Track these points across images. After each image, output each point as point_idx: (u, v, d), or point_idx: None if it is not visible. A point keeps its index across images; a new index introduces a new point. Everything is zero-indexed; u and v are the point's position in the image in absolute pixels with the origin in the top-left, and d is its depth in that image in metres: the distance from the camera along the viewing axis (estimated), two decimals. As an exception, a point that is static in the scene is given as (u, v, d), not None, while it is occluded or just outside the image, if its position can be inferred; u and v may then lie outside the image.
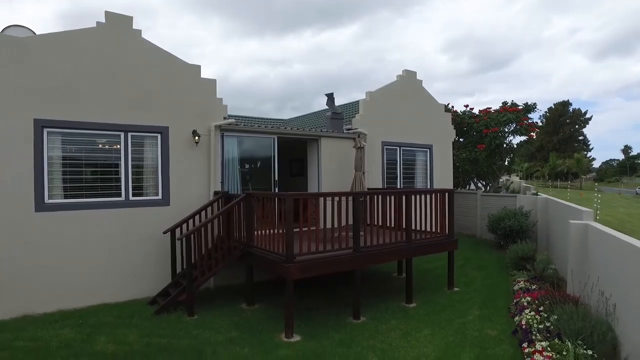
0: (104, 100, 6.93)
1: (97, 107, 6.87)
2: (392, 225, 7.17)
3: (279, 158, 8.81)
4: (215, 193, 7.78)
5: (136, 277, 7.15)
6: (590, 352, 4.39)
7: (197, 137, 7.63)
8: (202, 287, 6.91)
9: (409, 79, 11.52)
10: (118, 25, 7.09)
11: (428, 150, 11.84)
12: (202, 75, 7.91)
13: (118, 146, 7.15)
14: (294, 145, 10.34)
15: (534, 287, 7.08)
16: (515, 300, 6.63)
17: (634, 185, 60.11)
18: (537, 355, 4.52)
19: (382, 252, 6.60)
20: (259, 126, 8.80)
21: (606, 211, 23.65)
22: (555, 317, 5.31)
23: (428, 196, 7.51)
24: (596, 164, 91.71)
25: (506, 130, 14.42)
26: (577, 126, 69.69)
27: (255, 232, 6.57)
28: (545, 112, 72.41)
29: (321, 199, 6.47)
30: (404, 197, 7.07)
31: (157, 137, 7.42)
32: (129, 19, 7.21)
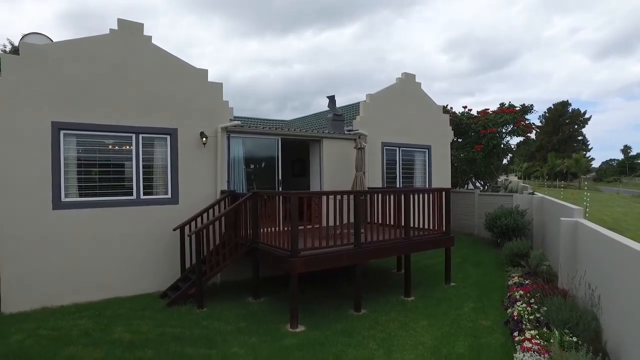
0: (116, 103, 7.27)
1: (110, 109, 7.21)
2: (392, 223, 7.50)
3: (282, 158, 9.15)
4: (222, 192, 8.11)
5: (147, 272, 7.48)
6: (575, 339, 4.71)
7: (204, 139, 7.97)
8: (209, 282, 7.23)
9: (408, 81, 11.85)
10: (129, 31, 7.42)
11: (427, 150, 12.18)
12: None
13: (129, 147, 7.48)
14: (296, 146, 10.67)
15: (527, 282, 7.40)
16: (508, 294, 6.96)
17: (633, 186, 60.45)
18: (526, 343, 4.84)
19: (381, 248, 6.94)
20: (263, 128, 9.14)
21: (603, 210, 23.98)
22: (545, 308, 5.64)
23: (426, 195, 7.84)
24: (596, 164, 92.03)
25: (503, 131, 14.75)
26: (576, 126, 69.99)
27: (261, 230, 6.90)
28: (545, 112, 72.78)
29: (324, 198, 6.80)
30: (402, 196, 7.41)
31: (166, 138, 7.76)
32: (140, 26, 7.54)
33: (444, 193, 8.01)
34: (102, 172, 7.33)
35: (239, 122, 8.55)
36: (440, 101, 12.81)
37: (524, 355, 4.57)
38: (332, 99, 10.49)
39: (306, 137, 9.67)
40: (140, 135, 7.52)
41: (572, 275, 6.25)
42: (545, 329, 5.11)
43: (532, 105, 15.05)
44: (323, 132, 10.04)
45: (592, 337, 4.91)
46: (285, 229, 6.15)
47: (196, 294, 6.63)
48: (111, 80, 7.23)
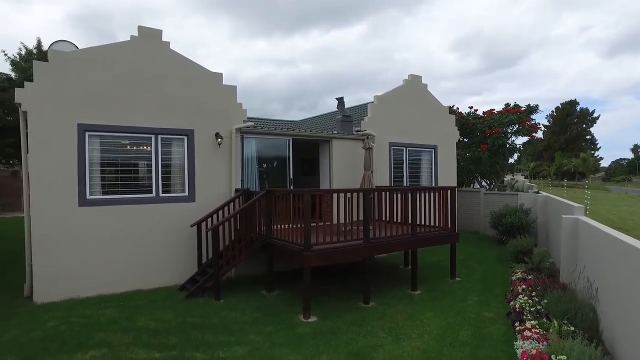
0: (136, 105, 7.66)
1: (131, 112, 7.61)
2: (399, 221, 7.82)
3: (292, 158, 9.50)
4: (236, 190, 8.49)
5: (166, 266, 7.87)
6: (572, 328, 5.01)
7: (219, 139, 8.34)
8: (225, 276, 7.58)
9: (414, 82, 12.15)
10: (149, 38, 7.81)
11: (433, 150, 12.47)
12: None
13: (149, 147, 7.87)
14: (306, 146, 11.02)
15: (530, 277, 7.69)
16: (511, 288, 7.25)
17: (642, 185, 59.94)
18: (526, 332, 5.14)
19: (389, 244, 7.28)
20: (275, 129, 9.50)
21: (610, 210, 24.04)
22: (546, 301, 5.93)
23: (432, 193, 8.16)
24: (606, 163, 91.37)
25: (509, 131, 14.99)
26: (584, 125, 69.68)
27: (274, 226, 7.25)
28: (552, 111, 72.51)
29: (335, 195, 7.14)
30: (409, 194, 7.73)
31: (183, 139, 8.15)
32: (159, 32, 7.93)
33: (449, 191, 8.31)
34: (123, 171, 7.72)
35: (252, 123, 8.93)
36: (447, 100, 13.12)
37: (523, 343, 4.87)
38: (340, 101, 10.83)
39: (316, 138, 10.02)
40: (159, 136, 7.91)
41: (572, 269, 6.54)
42: (545, 320, 5.41)
43: (537, 106, 15.26)
44: (332, 132, 10.39)
45: (589, 327, 5.20)
46: (298, 225, 6.51)
47: (213, 287, 7.00)
48: (132, 84, 7.63)
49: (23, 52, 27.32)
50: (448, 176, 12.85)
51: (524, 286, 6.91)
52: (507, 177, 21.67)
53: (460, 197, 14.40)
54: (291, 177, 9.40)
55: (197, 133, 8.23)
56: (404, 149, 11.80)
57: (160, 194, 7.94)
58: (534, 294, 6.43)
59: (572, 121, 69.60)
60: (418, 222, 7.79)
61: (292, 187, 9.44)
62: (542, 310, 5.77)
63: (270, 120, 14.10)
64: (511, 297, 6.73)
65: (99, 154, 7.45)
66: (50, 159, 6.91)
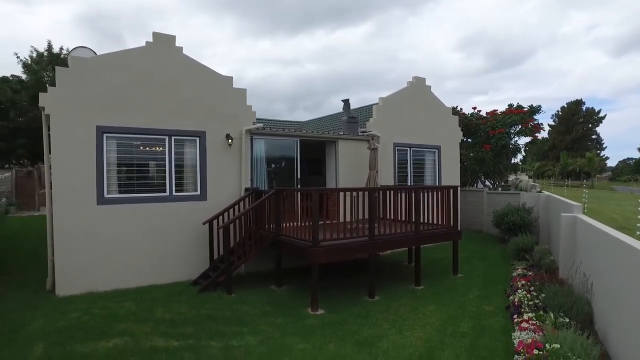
0: (151, 108, 8.01)
1: (146, 114, 7.96)
2: (403, 219, 8.11)
3: (300, 158, 9.82)
4: (246, 189, 8.82)
5: (179, 262, 8.21)
6: (567, 319, 5.28)
7: (230, 140, 8.68)
8: (235, 272, 7.90)
9: (418, 84, 12.42)
10: (163, 43, 8.16)
11: (436, 150, 12.74)
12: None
13: (163, 148, 8.22)
14: (313, 146, 11.32)
15: (529, 273, 7.95)
16: (511, 284, 7.52)
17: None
18: (523, 324, 5.42)
19: (393, 240, 7.58)
20: (283, 130, 9.83)
21: (614, 209, 24.14)
22: (544, 295, 6.20)
23: (435, 192, 8.44)
24: (613, 163, 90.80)
25: (512, 131, 15.21)
26: (590, 125, 69.42)
27: (283, 224, 7.56)
28: (558, 111, 72.33)
29: (341, 194, 7.45)
30: (413, 193, 8.01)
31: (196, 140, 8.49)
32: (172, 38, 8.28)
33: (451, 190, 8.59)
34: (138, 171, 8.08)
35: (262, 124, 9.25)
36: (453, 100, 13.44)
37: (520, 334, 5.15)
38: (346, 103, 11.14)
39: (323, 138, 10.33)
40: (173, 138, 8.25)
41: (570, 265, 6.80)
42: (542, 312, 5.69)
43: (539, 106, 15.45)
44: (338, 133, 10.69)
45: (584, 319, 5.47)
46: (305, 223, 6.82)
47: (225, 282, 7.33)
48: (147, 87, 7.97)
49: (34, 55, 27.90)
50: (451, 176, 13.10)
51: (523, 282, 7.18)
52: (511, 177, 21.85)
53: (464, 196, 14.66)
54: (298, 176, 9.72)
55: (208, 134, 8.56)
56: (408, 149, 12.08)
57: (174, 193, 8.28)
58: (532, 288, 6.70)
59: (578, 121, 69.36)
60: (421, 220, 8.07)
61: (299, 187, 9.76)
62: (540, 303, 6.04)
63: (277, 121, 14.45)
64: (511, 292, 7.00)
65: (116, 154, 7.80)
66: (71, 159, 7.27)
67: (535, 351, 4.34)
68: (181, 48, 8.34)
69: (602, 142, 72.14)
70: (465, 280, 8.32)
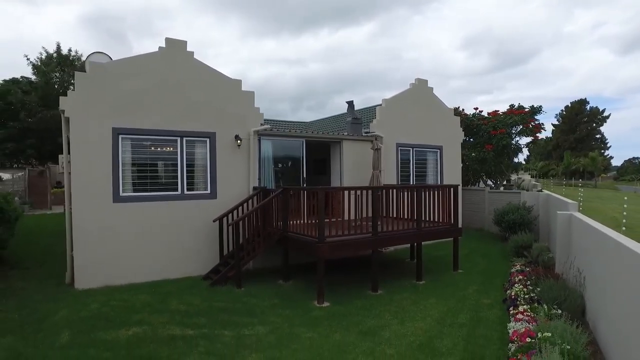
0: (164, 110, 8.37)
1: (159, 116, 8.32)
2: (406, 217, 8.43)
3: (307, 158, 10.16)
4: (254, 188, 9.17)
5: (190, 258, 8.58)
6: (560, 311, 5.59)
7: (239, 141, 9.03)
8: (244, 268, 8.25)
9: (420, 86, 12.73)
10: (175, 48, 8.52)
11: (438, 150, 13.04)
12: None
13: (175, 149, 8.57)
14: (318, 147, 11.66)
15: (527, 269, 8.25)
16: (509, 279, 7.83)
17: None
18: (519, 315, 5.73)
19: (396, 237, 7.92)
20: (289, 131, 10.17)
21: (616, 208, 24.29)
22: (539, 289, 6.51)
23: (436, 191, 8.76)
24: (618, 162, 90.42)
25: (513, 131, 15.49)
26: (594, 124, 69.27)
27: (290, 221, 7.90)
28: (562, 110, 72.22)
29: (346, 192, 7.78)
30: (415, 191, 8.34)
31: (206, 141, 8.85)
32: (184, 43, 8.64)
33: (452, 189, 8.90)
34: (151, 171, 8.45)
35: (269, 126, 9.60)
36: (457, 99, 13.82)
37: (515, 324, 5.46)
38: (351, 104, 11.47)
39: (328, 139, 10.68)
40: (184, 139, 8.61)
41: (565, 261, 7.11)
42: (536, 305, 6.00)
43: (540, 107, 15.72)
44: (343, 134, 11.03)
45: (577, 311, 5.79)
46: (311, 221, 7.16)
47: (235, 276, 7.69)
48: (160, 91, 8.34)
49: (44, 57, 28.39)
50: (453, 175, 13.39)
51: (520, 277, 7.48)
52: (514, 177, 22.10)
53: (466, 195, 14.96)
54: (304, 176, 10.07)
55: (218, 135, 8.92)
56: (411, 149, 12.39)
57: (185, 192, 8.64)
58: (528, 283, 7.01)
59: (582, 120, 69.23)
60: (423, 218, 8.39)
61: (305, 186, 10.10)
62: (535, 297, 6.35)
63: (284, 121, 14.81)
64: (508, 287, 7.30)
65: (130, 155, 8.17)
66: (89, 159, 7.65)
67: (528, 339, 4.67)
68: (192, 53, 8.70)
69: (607, 141, 71.97)
70: (465, 275, 8.64)
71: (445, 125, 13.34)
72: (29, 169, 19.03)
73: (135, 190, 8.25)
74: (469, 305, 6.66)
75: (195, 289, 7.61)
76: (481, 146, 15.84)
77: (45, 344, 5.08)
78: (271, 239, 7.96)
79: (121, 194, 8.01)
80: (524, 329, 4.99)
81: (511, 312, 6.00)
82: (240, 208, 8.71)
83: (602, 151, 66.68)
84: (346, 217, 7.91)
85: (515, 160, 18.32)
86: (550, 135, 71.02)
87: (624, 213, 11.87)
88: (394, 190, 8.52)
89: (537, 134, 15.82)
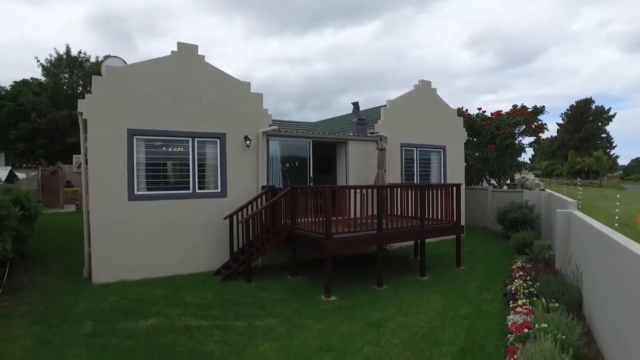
0: (176, 112, 8.69)
1: (172, 118, 8.64)
2: (410, 215, 8.71)
3: (313, 158, 10.46)
4: (263, 187, 9.48)
5: (201, 254, 8.90)
6: (557, 304, 5.85)
7: (248, 141, 9.34)
8: (254, 263, 8.57)
9: (424, 87, 13.00)
10: (187, 52, 8.84)
11: (442, 150, 13.30)
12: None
13: (186, 149, 8.89)
14: (324, 147, 11.95)
15: (528, 265, 8.50)
16: (510, 275, 8.08)
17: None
18: (518, 308, 5.99)
19: (400, 234, 8.20)
20: (297, 131, 10.48)
21: (620, 207, 24.43)
22: (538, 284, 6.76)
23: (439, 190, 9.03)
24: (625, 162, 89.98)
25: (516, 131, 15.70)
26: (599, 124, 69.15)
27: (298, 219, 8.20)
28: (567, 110, 72.11)
29: (351, 191, 8.07)
30: (418, 190, 8.61)
31: (216, 141, 9.16)
32: (195, 47, 8.96)
33: (455, 188, 9.17)
34: (164, 170, 8.78)
35: (277, 127, 9.91)
36: (462, 98, 14.09)
37: (514, 317, 5.73)
38: (356, 105, 11.77)
39: (334, 140, 10.97)
40: (196, 139, 8.93)
41: (563, 257, 7.36)
42: (535, 299, 6.25)
43: (543, 107, 15.91)
44: (348, 134, 11.32)
45: (574, 304, 6.04)
46: (318, 219, 7.45)
47: (245, 271, 8.00)
48: (172, 93, 8.66)
49: (53, 59, 28.89)
50: (456, 174, 13.63)
51: (521, 273, 7.73)
52: (518, 176, 22.28)
53: (469, 194, 15.19)
54: (311, 175, 10.37)
55: (228, 136, 9.23)
56: (415, 149, 12.65)
57: (197, 190, 8.97)
58: (528, 278, 7.26)
59: (587, 119, 69.11)
60: (426, 216, 8.66)
61: (312, 184, 10.40)
62: (534, 291, 6.61)
63: (291, 122, 15.13)
64: (509, 282, 7.56)
65: (144, 155, 8.50)
66: (105, 159, 7.99)
67: (526, 330, 4.93)
68: (203, 56, 9.01)
69: (612, 140, 71.80)
70: (467, 272, 8.90)
71: (449, 126, 13.59)
72: (42, 168, 19.47)
73: (149, 189, 8.57)
74: (470, 300, 6.93)
75: (207, 283, 7.93)
76: (484, 146, 16.06)
77: (70, 333, 5.42)
78: (280, 236, 8.26)
79: (136, 192, 8.33)
80: (522, 321, 5.25)
81: (511, 305, 6.26)
82: (249, 206, 9.02)
83: (608, 150, 66.51)
84: (352, 215, 8.20)
85: (520, 159, 18.53)
86: (555, 134, 70.92)
87: (617, 210, 12.08)
88: (398, 189, 8.80)
89: (540, 134, 16.01)
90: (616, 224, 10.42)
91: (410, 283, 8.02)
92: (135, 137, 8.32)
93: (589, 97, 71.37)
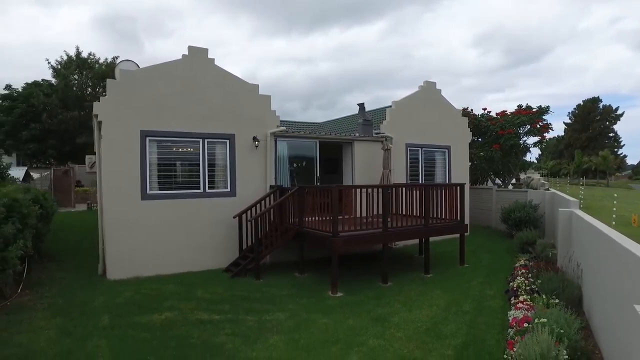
0: (187, 114, 8.96)
1: (183, 119, 8.91)
2: (414, 214, 8.91)
3: (320, 158, 10.69)
4: (271, 187, 9.73)
5: (211, 251, 9.16)
6: (557, 300, 6.03)
7: (256, 142, 9.60)
8: (261, 261, 8.80)
9: (429, 88, 13.18)
10: (197, 56, 9.10)
11: (446, 150, 13.47)
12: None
13: (197, 150, 9.15)
14: (330, 147, 12.17)
15: (530, 263, 8.67)
16: (512, 273, 8.26)
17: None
18: (519, 304, 6.18)
19: (404, 232, 8.42)
20: (304, 132, 10.72)
21: (626, 207, 24.40)
22: (540, 281, 6.94)
23: (443, 189, 9.22)
24: (635, 161, 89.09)
25: (520, 131, 15.82)
26: (607, 123, 68.59)
27: (305, 218, 8.43)
28: (574, 109, 71.63)
29: (358, 191, 8.29)
30: (423, 189, 8.81)
31: (226, 142, 9.42)
32: (205, 51, 9.22)
33: (458, 187, 9.36)
34: (175, 170, 9.05)
35: (284, 127, 10.15)
36: (468, 98, 14.27)
37: (515, 312, 5.92)
38: (362, 107, 11.99)
39: (340, 140, 11.20)
40: (206, 140, 9.20)
41: (565, 255, 7.52)
42: (536, 295, 6.44)
43: (548, 107, 16.03)
44: (354, 135, 11.54)
45: (574, 301, 6.22)
46: (325, 218, 7.69)
47: (254, 268, 8.26)
48: (183, 95, 8.93)
49: (63, 60, 29.36)
50: (461, 174, 13.78)
51: (523, 271, 7.92)
52: (524, 176, 22.34)
53: (474, 194, 15.34)
54: (318, 175, 10.60)
55: (237, 137, 9.49)
56: (420, 149, 12.84)
57: (207, 190, 9.23)
58: (530, 275, 7.44)
59: (594, 119, 68.60)
60: (431, 215, 8.86)
61: (318, 184, 10.63)
62: (535, 288, 6.79)
63: (297, 122, 15.38)
64: (511, 279, 7.75)
65: (156, 155, 8.77)
66: (119, 159, 8.27)
67: (526, 324, 5.12)
68: (213, 59, 9.28)
69: (620, 140, 71.20)
70: (470, 269, 9.09)
71: (453, 126, 13.75)
72: (54, 168, 19.89)
73: (161, 189, 8.85)
74: (473, 296, 7.12)
75: (217, 280, 8.19)
76: (489, 145, 16.20)
77: (89, 325, 5.69)
78: (288, 234, 8.50)
79: (148, 192, 8.61)
80: (522, 316, 5.44)
81: (512, 301, 6.44)
82: (258, 205, 9.27)
83: (616, 150, 66.01)
84: (358, 214, 8.41)
85: (527, 159, 18.63)
86: (562, 134, 70.54)
87: (614, 209, 12.21)
88: (403, 189, 9.01)
89: (545, 134, 16.13)
90: (613, 222, 10.55)
91: (415, 280, 8.22)
92: (147, 138, 8.59)
93: (596, 96, 70.84)
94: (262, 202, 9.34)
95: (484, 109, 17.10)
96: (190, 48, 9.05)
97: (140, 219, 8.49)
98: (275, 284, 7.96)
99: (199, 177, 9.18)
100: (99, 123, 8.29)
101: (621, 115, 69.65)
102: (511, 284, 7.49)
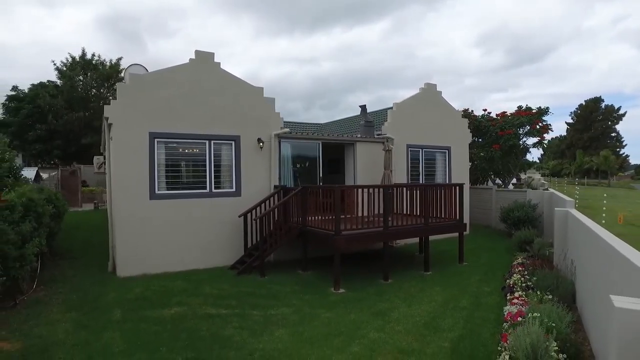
0: (193, 116, 9.23)
1: (190, 121, 9.19)
2: (415, 213, 9.16)
3: (323, 159, 10.95)
4: (275, 187, 9.99)
5: (217, 250, 9.44)
6: (551, 296, 6.27)
7: (261, 143, 9.86)
8: (266, 259, 9.06)
9: (429, 90, 13.42)
10: (203, 60, 9.38)
11: (447, 151, 13.71)
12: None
13: (203, 151, 9.43)
14: (332, 148, 12.44)
15: (527, 262, 8.90)
16: (510, 271, 8.50)
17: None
18: (514, 300, 6.43)
19: (405, 231, 8.68)
20: (307, 134, 10.98)
21: (627, 207, 24.57)
22: (535, 278, 7.18)
23: (443, 189, 9.47)
24: (638, 160, 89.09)
25: (520, 132, 16.04)
26: (609, 122, 68.71)
27: (308, 217, 8.69)
28: (576, 109, 71.72)
29: (359, 191, 8.55)
30: (423, 189, 9.06)
31: (231, 143, 9.69)
32: (211, 55, 9.49)
33: (457, 187, 9.60)
34: (182, 171, 9.33)
35: (288, 129, 10.42)
36: (471, 98, 14.60)
37: (510, 307, 6.17)
38: (363, 108, 12.24)
39: (342, 141, 11.46)
40: (212, 142, 9.47)
41: (562, 253, 7.76)
42: (531, 291, 6.68)
43: (547, 108, 16.25)
44: (356, 136, 11.80)
45: (568, 297, 6.46)
46: (327, 217, 7.95)
47: (259, 266, 8.53)
48: (190, 98, 9.21)
49: (69, 62, 29.73)
50: (461, 174, 14.03)
51: (520, 268, 8.15)
52: (524, 176, 22.56)
53: (474, 194, 15.58)
54: (321, 175, 10.87)
55: (242, 138, 9.76)
56: (420, 150, 13.08)
57: (213, 190, 9.51)
58: (526, 273, 7.68)
59: (597, 119, 68.71)
60: (431, 214, 9.11)
61: (321, 184, 10.89)
62: (531, 284, 7.03)
63: (300, 123, 15.64)
64: (508, 277, 7.98)
65: (164, 156, 9.05)
66: (128, 160, 8.55)
67: (520, 318, 5.38)
68: (219, 63, 9.55)
69: (622, 139, 71.26)
70: (469, 267, 9.33)
71: (454, 127, 13.99)
72: (61, 168, 20.23)
73: (168, 189, 9.13)
74: (471, 293, 7.38)
75: (223, 277, 8.46)
76: (489, 146, 16.42)
77: (103, 319, 5.97)
78: (292, 233, 8.77)
79: (156, 191, 8.89)
80: (516, 311, 5.69)
81: (508, 297, 6.69)
82: (262, 205, 9.54)
83: (618, 150, 66.09)
84: (359, 214, 8.66)
85: (529, 159, 18.85)
86: (564, 133, 70.64)
87: (604, 208, 12.43)
88: (404, 189, 9.26)
89: (544, 135, 16.34)
90: (603, 221, 10.78)
91: (415, 277, 8.48)
92: (156, 140, 8.87)
93: (598, 96, 70.99)
94: (267, 201, 9.60)
95: (484, 110, 17.37)
96: (197, 52, 9.32)
97: (149, 218, 8.77)
98: (280, 280, 8.23)
99: (205, 178, 9.46)
100: (109, 125, 8.57)
101: (623, 115, 69.75)
102: (508, 281, 7.72)
